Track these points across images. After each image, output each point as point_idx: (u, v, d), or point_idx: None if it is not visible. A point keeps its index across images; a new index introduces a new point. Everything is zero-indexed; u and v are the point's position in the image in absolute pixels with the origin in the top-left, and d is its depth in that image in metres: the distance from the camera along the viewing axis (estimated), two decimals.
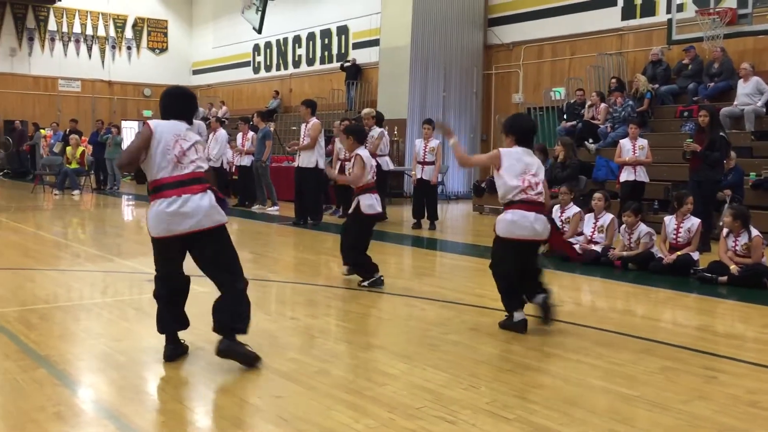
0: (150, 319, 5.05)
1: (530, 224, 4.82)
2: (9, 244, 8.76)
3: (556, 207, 8.80)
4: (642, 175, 10.17)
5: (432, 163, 11.11)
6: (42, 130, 21.74)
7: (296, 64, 23.82)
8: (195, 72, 28.95)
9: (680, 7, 12.47)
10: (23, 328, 4.74)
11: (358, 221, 6.35)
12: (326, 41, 22.48)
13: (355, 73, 20.36)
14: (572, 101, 14.31)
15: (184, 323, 4.19)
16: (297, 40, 23.64)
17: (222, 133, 14.23)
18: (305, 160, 10.97)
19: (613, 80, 13.75)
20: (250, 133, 13.96)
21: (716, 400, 3.59)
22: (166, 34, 28.58)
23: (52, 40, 26.17)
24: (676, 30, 12.02)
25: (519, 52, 17.07)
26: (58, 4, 25.84)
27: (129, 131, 25.63)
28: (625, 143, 10.32)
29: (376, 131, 11.44)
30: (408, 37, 16.77)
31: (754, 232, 6.83)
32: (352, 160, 6.48)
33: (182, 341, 4.21)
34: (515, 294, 4.93)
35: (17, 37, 25.45)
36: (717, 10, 11.22)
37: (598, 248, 7.94)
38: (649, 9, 14.44)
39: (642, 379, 3.90)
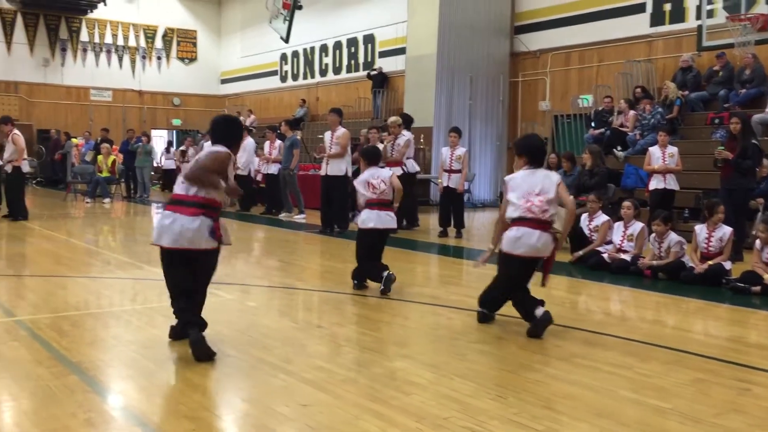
0: None
1: (534, 242, 4.99)
2: (42, 252, 8.91)
3: (585, 215, 8.73)
4: (672, 183, 10.04)
5: (458, 171, 11.09)
6: (74, 139, 22.12)
7: (323, 72, 23.97)
8: (223, 81, 29.27)
9: (710, 13, 12.32)
10: (55, 334, 4.81)
11: (360, 234, 6.56)
12: (353, 50, 22.59)
13: (381, 82, 20.43)
14: (600, 108, 14.19)
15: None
16: (324, 48, 23.79)
17: (249, 141, 14.36)
18: (334, 168, 10.98)
19: (638, 89, 13.62)
20: (277, 142, 14.07)
21: (750, 413, 3.52)
22: (195, 44, 28.96)
23: (84, 50, 26.67)
24: (706, 36, 11.88)
25: (546, 59, 16.99)
26: (90, 15, 26.34)
27: (159, 140, 25.98)
28: (654, 151, 10.20)
29: (402, 139, 11.45)
30: (434, 45, 16.79)
31: None
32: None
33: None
34: (529, 299, 5.05)
35: (50, 48, 25.99)
36: (748, 16, 11.07)
37: (627, 257, 7.85)
38: (678, 15, 14.29)
39: (673, 391, 3.84)
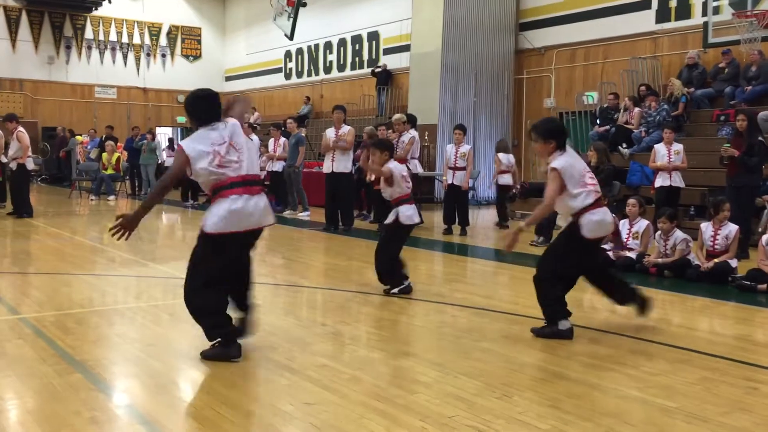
0: (183, 324, 5.10)
1: (610, 219, 4.94)
2: (46, 249, 8.92)
3: None
4: (678, 181, 10.00)
5: (463, 168, 11.07)
6: (78, 137, 22.15)
7: (327, 70, 23.95)
8: (228, 78, 29.27)
9: (716, 10, 12.26)
10: (59, 332, 4.81)
11: (398, 231, 6.31)
12: (357, 47, 22.56)
13: (385, 79, 20.40)
14: (605, 105, 14.15)
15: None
16: (328, 46, 23.77)
17: (254, 139, 14.34)
18: (341, 165, 10.97)
19: (642, 87, 13.57)
20: (282, 139, 14.06)
21: (758, 413, 3.50)
22: (199, 42, 28.96)
23: (89, 48, 26.70)
24: (712, 33, 11.83)
25: (551, 56, 16.94)
26: (94, 13, 26.36)
27: (163, 137, 26.00)
28: (659, 148, 10.16)
29: (407, 136, 11.42)
30: (439, 42, 16.76)
31: None
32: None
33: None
34: (564, 302, 4.90)
35: (55, 46, 26.02)
36: (754, 12, 11.02)
37: (632, 255, 7.82)
38: (684, 12, 14.23)
39: (680, 390, 3.82)
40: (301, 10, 21.42)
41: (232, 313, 4.32)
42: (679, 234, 7.54)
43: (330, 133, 11.12)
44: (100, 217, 13.66)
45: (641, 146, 12.44)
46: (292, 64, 25.67)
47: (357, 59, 22.63)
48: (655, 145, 10.42)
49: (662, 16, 14.59)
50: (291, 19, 21.52)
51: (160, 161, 19.73)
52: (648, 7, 14.80)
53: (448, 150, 11.35)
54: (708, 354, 4.54)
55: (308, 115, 22.99)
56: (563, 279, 4.94)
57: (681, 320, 5.77)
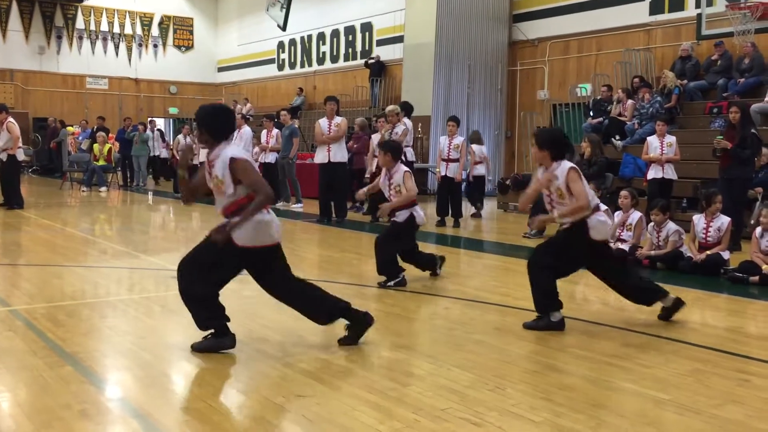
0: (175, 316, 5.08)
1: (611, 223, 5.17)
2: (37, 241, 8.87)
3: None
4: (670, 173, 10.01)
5: (456, 160, 11.06)
6: (70, 128, 22.01)
7: (320, 61, 23.86)
8: (220, 69, 29.13)
9: (710, 2, 12.23)
10: (50, 324, 4.78)
11: (410, 231, 6.40)
12: (350, 38, 22.48)
13: (379, 70, 20.34)
14: (598, 98, 14.14)
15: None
16: (321, 37, 23.67)
17: (246, 130, 14.27)
18: (337, 155, 10.95)
19: (636, 79, 13.57)
20: (275, 131, 14.00)
21: (750, 405, 3.51)
22: (191, 32, 28.79)
23: (80, 38, 26.51)
24: (705, 25, 11.81)
25: (544, 48, 16.92)
26: (85, 3, 26.16)
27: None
28: (652, 140, 10.17)
29: (400, 128, 11.39)
30: (432, 33, 16.70)
31: None
32: (397, 176, 6.31)
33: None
34: (557, 293, 4.91)
35: (46, 36, 25.81)
36: (748, 4, 10.99)
37: (625, 246, 7.83)
38: (677, 4, 14.22)
39: (672, 382, 3.82)
40: (294, 0, 21.32)
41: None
42: (671, 226, 7.55)
43: (323, 124, 11.08)
44: (91, 208, 13.59)
45: (634, 138, 12.44)
46: (285, 55, 25.56)
47: (350, 50, 22.55)
48: (648, 137, 10.42)
49: (656, 7, 14.57)
50: (284, 10, 21.44)
51: (153, 153, 19.64)
52: None
53: (442, 142, 11.33)
54: (700, 346, 4.55)
55: (301, 106, 22.91)
56: (558, 274, 4.96)
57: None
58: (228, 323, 4.23)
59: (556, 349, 4.42)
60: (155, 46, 27.98)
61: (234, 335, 4.22)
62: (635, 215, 8.00)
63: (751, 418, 3.33)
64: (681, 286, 6.62)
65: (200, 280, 4.15)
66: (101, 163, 17.37)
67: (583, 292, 6.52)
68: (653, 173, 10.06)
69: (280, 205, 13.64)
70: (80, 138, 20.71)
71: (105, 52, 26.95)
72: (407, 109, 12.00)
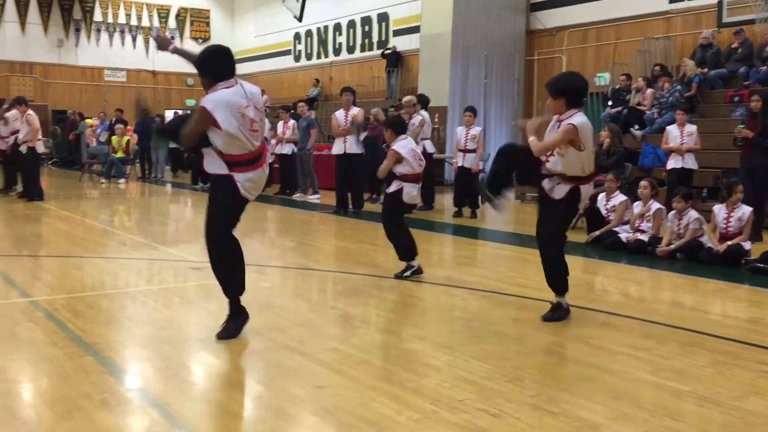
0: (194, 307, 5.11)
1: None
2: (57, 232, 8.95)
3: (602, 195, 8.64)
4: (690, 163, 9.89)
5: (473, 150, 11.00)
6: (88, 120, 22.16)
7: (336, 52, 23.81)
8: (237, 61, 28.77)
9: None
10: (70, 315, 4.83)
11: (396, 202, 6.23)
12: (366, 29, 22.40)
13: (395, 61, 20.27)
14: (617, 87, 14.00)
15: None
16: (337, 27, 23.62)
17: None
18: (354, 146, 10.97)
19: (657, 67, 13.40)
20: (291, 122, 14.02)
21: None
22: (208, 24, 28.86)
23: (98, 30, 26.66)
24: (726, 12, 11.65)
25: (562, 37, 16.76)
26: None
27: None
28: (672, 130, 10.05)
29: (417, 119, 11.35)
30: (449, 23, 16.59)
31: None
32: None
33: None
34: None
35: (64, 29, 25.99)
36: None
37: (644, 237, 7.76)
38: None
39: (692, 373, 3.79)
40: None
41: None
42: (692, 213, 7.45)
43: (339, 116, 11.08)
44: (110, 200, 13.70)
45: (654, 128, 12.30)
46: (301, 47, 25.54)
47: (366, 41, 22.48)
48: (668, 127, 10.30)
49: None
50: (300, 1, 21.39)
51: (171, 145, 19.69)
52: None
53: (459, 132, 11.28)
54: (721, 337, 4.50)
55: (317, 97, 22.91)
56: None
57: (693, 303, 5.72)
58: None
59: (575, 341, 4.40)
60: (172, 38, 27.86)
61: (245, 308, 4.33)
62: (654, 206, 7.93)
63: None
64: (701, 276, 6.57)
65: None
66: (120, 155, 17.47)
67: (602, 282, 6.49)
68: (673, 163, 9.95)
69: (297, 196, 13.68)
70: (99, 130, 20.83)
71: (123, 44, 27.10)
72: (424, 101, 11.95)
